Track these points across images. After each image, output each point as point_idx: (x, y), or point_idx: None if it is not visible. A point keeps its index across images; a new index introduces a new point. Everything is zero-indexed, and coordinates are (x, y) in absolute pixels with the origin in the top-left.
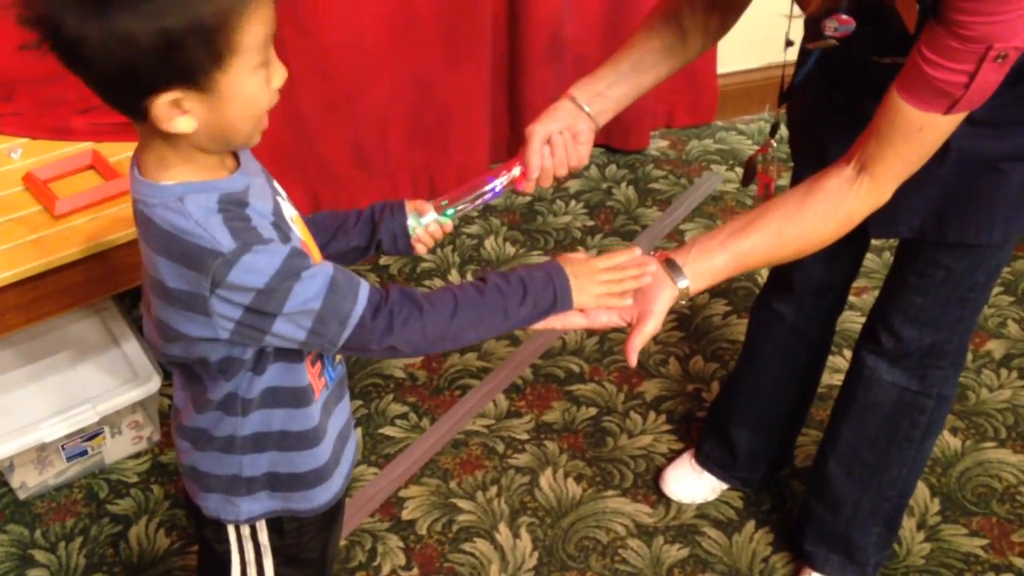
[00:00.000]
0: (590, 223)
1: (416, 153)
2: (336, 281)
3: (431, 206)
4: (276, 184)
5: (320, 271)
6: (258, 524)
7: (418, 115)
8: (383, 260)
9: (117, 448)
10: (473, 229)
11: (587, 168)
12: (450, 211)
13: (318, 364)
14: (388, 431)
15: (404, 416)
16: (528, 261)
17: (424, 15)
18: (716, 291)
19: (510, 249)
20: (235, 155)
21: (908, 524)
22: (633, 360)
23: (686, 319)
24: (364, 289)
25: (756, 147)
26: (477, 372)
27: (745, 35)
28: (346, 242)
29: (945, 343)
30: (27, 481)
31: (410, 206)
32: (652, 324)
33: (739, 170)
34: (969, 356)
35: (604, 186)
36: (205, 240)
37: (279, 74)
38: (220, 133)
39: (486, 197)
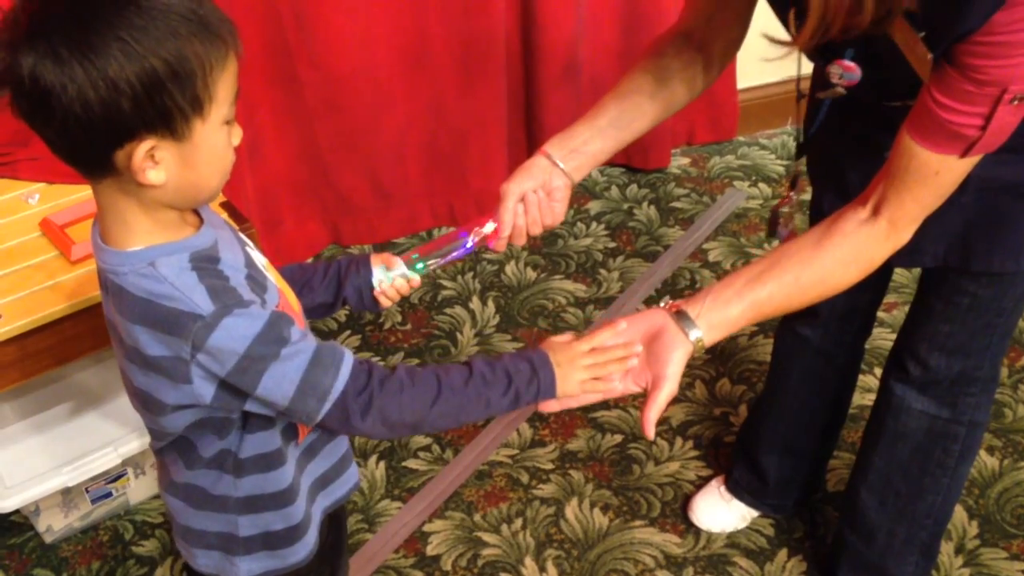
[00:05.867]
0: (612, 245)
1: (434, 181)
2: (319, 355)
3: (400, 260)
4: (243, 235)
5: (303, 347)
6: None
7: (435, 142)
8: None
9: (142, 488)
10: (494, 255)
11: (607, 189)
12: (419, 266)
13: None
14: (411, 464)
15: (427, 448)
16: (550, 286)
17: (437, 42)
18: None
19: (531, 274)
20: (196, 211)
21: (946, 548)
22: (651, 434)
23: None
24: (347, 365)
25: (779, 161)
26: None
27: (763, 49)
28: (312, 298)
29: (975, 370)
30: (53, 524)
31: (377, 260)
32: (667, 389)
33: (763, 185)
34: (1005, 372)
35: (625, 207)
36: (183, 303)
37: (237, 133)
38: (189, 186)
39: (457, 253)
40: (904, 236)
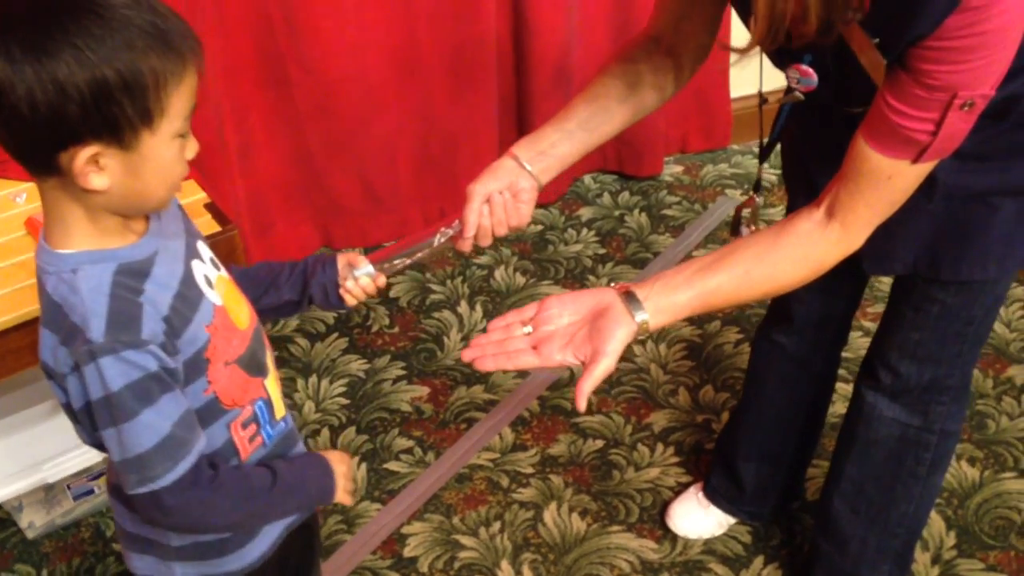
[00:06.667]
0: (602, 251)
1: (425, 185)
2: (169, 441)
3: (365, 259)
4: (201, 244)
5: (160, 427)
6: None
7: (426, 147)
8: (392, 292)
9: None
10: (483, 260)
11: (600, 195)
12: (385, 265)
13: (252, 425)
14: (392, 466)
15: (409, 451)
16: (539, 292)
17: (427, 47)
18: (728, 318)
19: (520, 279)
20: (147, 217)
21: (922, 558)
22: (582, 406)
23: (697, 348)
24: (186, 463)
25: (772, 170)
26: (484, 405)
27: (756, 58)
28: (278, 296)
29: (945, 378)
30: (35, 521)
31: (342, 259)
32: (604, 365)
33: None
34: (988, 383)
35: (616, 213)
36: (82, 320)
37: (192, 147)
38: (134, 195)
39: (422, 253)
40: (856, 240)
